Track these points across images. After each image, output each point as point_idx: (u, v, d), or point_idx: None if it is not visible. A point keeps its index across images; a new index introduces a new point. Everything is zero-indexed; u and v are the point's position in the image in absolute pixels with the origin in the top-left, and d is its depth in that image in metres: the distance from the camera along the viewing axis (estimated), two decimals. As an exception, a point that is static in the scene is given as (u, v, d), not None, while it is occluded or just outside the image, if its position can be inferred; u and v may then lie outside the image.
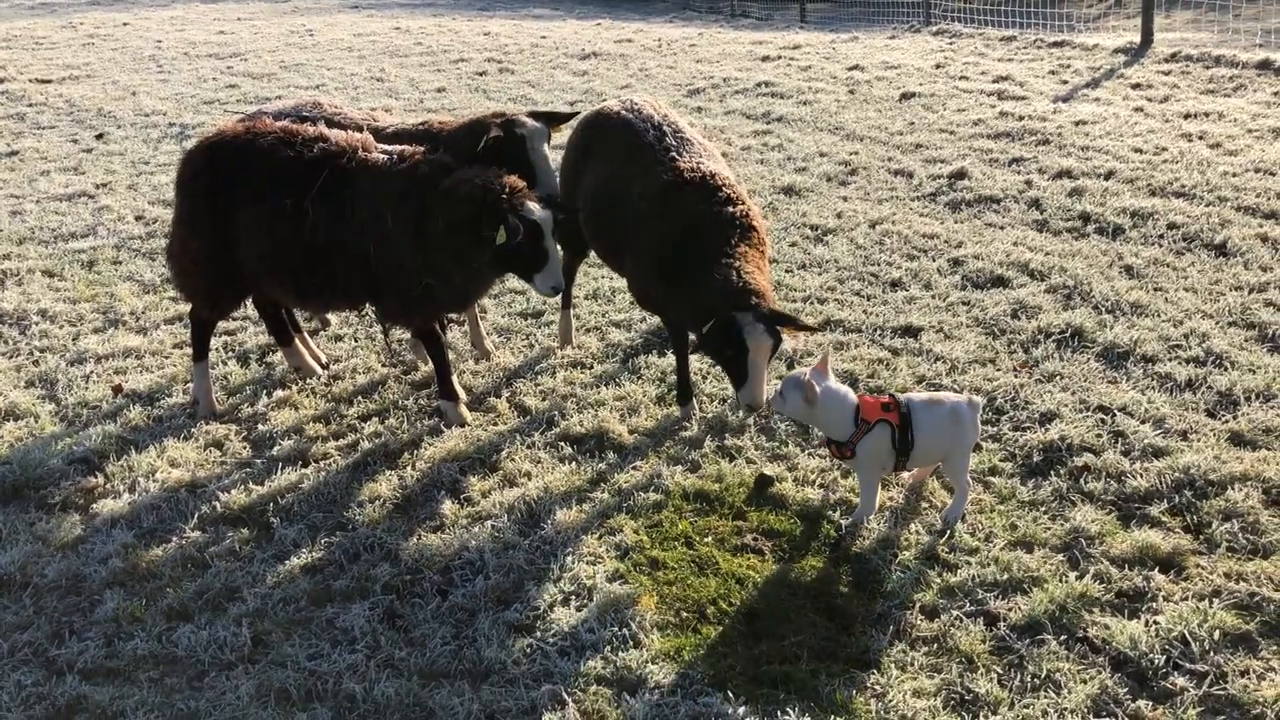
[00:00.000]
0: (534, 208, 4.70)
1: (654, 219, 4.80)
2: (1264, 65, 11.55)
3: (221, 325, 6.45)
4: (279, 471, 4.81)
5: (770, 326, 4.40)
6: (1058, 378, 5.37)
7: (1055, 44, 14.29)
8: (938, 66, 13.33)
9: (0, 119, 12.81)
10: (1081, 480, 4.49)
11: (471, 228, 4.64)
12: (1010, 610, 3.75)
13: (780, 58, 14.88)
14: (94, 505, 4.64)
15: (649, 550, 4.19)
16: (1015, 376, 5.38)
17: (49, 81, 15.04)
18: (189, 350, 5.63)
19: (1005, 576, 3.91)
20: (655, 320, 5.97)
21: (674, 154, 4.98)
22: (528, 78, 14.25)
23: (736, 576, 4.02)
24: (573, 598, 3.91)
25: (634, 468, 4.77)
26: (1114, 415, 4.94)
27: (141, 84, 14.85)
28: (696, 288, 4.54)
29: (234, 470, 4.89)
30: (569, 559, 4.11)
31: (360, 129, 5.33)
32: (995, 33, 15.71)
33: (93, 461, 4.98)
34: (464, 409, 5.27)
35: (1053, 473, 4.57)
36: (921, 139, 9.97)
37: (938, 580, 3.93)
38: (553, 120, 5.34)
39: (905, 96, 11.75)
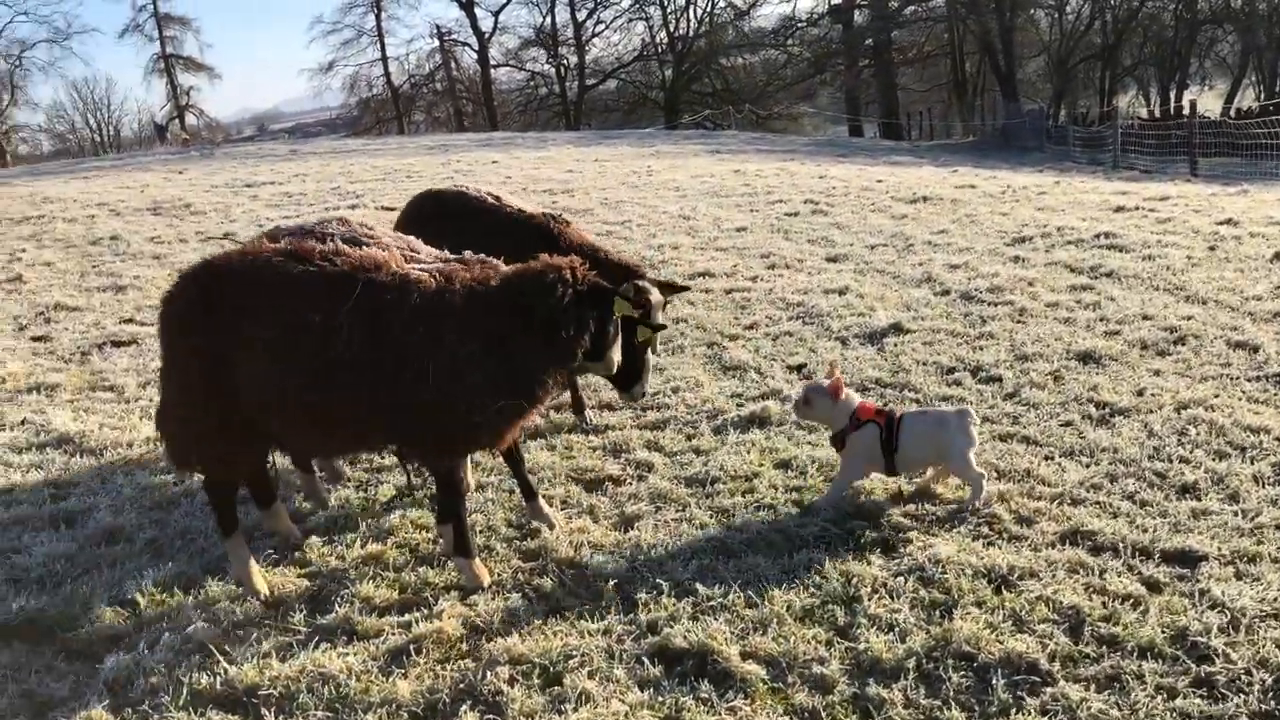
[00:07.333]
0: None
1: None
2: None
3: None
4: (312, 646, 3.99)
5: None
6: None
7: None
8: (1336, 225, 10.91)
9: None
10: None
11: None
12: None
13: (1138, 209, 12.95)
14: (108, 656, 3.99)
15: None
16: (1340, 654, 3.58)
17: (392, 209, 15.97)
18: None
19: None
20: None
21: None
22: (838, 220, 13.26)
23: None
24: None
25: (730, 709, 3.51)
26: None
27: (468, 213, 15.38)
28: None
29: (272, 634, 4.13)
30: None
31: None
32: None
33: (136, 603, 4.40)
34: (480, 568, 4.48)
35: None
36: (1287, 307, 7.89)
37: None
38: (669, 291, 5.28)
39: (1279, 257, 9.57)
